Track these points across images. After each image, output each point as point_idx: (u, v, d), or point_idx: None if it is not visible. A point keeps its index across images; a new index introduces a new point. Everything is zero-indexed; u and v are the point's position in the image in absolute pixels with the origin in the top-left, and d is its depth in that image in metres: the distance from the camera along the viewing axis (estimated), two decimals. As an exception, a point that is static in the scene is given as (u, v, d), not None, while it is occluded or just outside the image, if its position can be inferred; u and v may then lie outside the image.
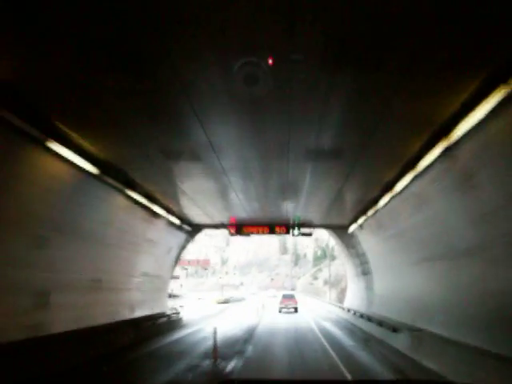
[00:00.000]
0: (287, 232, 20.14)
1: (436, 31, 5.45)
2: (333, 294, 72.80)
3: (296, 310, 35.15)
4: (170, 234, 20.48)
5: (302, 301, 54.01)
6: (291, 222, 19.67)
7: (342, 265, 60.20)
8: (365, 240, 20.91)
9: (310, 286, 79.10)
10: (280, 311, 34.94)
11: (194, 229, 22.88)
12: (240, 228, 19.76)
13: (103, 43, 5.84)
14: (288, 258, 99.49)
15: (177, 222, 19.57)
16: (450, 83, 6.82)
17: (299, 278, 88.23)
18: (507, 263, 8.16)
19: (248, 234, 20.34)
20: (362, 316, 21.00)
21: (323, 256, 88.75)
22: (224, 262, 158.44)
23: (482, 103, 6.72)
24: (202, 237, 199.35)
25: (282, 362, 11.62)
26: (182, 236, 22.39)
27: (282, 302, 35.66)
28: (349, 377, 9.18)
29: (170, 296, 63.10)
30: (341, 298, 48.79)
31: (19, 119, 7.52)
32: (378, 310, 19.48)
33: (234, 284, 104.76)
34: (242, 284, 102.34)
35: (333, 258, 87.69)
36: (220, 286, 74.36)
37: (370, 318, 18.87)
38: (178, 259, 24.29)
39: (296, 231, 19.76)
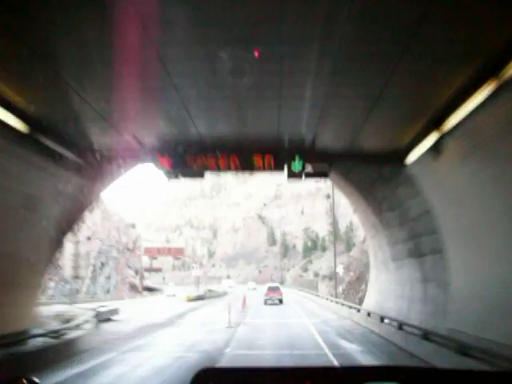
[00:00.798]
0: (279, 167, 10.95)
1: None
2: (323, 288, 69.32)
3: (281, 301, 37.07)
4: (21, 167, 10.13)
5: (295, 298, 48.86)
6: (288, 146, 10.95)
7: (332, 257, 56.56)
8: (440, 182, 11.08)
9: (300, 279, 75.72)
10: (265, 303, 36.46)
11: (90, 160, 11.70)
12: (183, 159, 10.66)
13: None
14: (276, 249, 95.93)
15: (47, 141, 9.87)
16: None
17: (288, 270, 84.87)
18: None
19: (201, 173, 11.28)
20: (426, 337, 11.10)
21: (313, 247, 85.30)
22: (211, 255, 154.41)
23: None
24: (188, 229, 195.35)
25: None
26: (64, 173, 11.63)
27: (267, 294, 37.32)
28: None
29: (147, 289, 61.57)
30: (333, 293, 45.73)
31: None
32: (465, 326, 10.24)
33: (220, 277, 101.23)
34: (228, 277, 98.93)
35: (323, 249, 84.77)
36: (199, 279, 69.21)
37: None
38: (67, 227, 13.77)
39: (298, 165, 10.59)
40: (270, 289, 38.41)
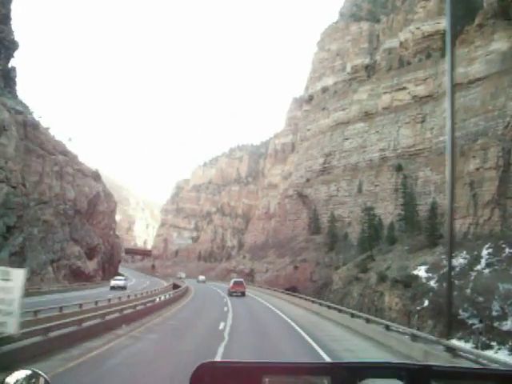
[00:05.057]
0: None
1: None
2: (393, 301, 47.22)
3: (243, 294, 44.08)
4: None
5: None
6: None
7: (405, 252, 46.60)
8: None
9: (357, 284, 49.91)
10: (230, 295, 42.74)
11: None
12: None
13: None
14: (320, 239, 69.87)
15: None
16: None
17: (337, 267, 59.11)
18: None
19: None
20: None
21: (375, 238, 58.91)
22: (241, 246, 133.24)
23: None
24: (219, 216, 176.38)
25: None
26: None
27: (232, 288, 44.58)
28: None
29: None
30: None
31: None
32: None
33: (243, 270, 76.74)
34: (252, 271, 74.17)
35: (392, 240, 58.44)
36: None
37: None
38: None
39: None
40: (235, 283, 45.77)
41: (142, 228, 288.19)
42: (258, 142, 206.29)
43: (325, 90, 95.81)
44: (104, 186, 57.42)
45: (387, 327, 18.16)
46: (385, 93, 76.74)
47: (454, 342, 16.20)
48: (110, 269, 58.42)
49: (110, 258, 60.61)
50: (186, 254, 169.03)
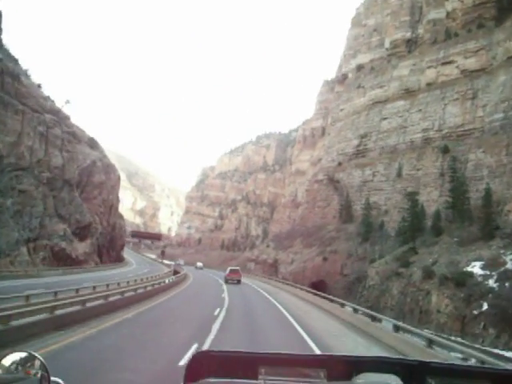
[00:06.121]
0: None
1: None
2: (442, 302, 40.91)
3: (239, 281, 45.37)
4: None
5: None
6: None
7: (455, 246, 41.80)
8: None
9: (397, 281, 43.63)
10: (226, 282, 44.24)
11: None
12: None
13: None
14: (353, 228, 63.20)
15: None
16: None
17: (372, 260, 52.68)
18: None
19: None
20: None
21: (417, 228, 52.12)
22: (266, 235, 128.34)
23: None
24: (244, 205, 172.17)
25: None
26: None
27: (228, 275, 46.24)
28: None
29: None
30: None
31: None
32: None
33: (266, 260, 70.50)
34: (276, 261, 67.82)
35: (438, 231, 51.08)
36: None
37: None
38: None
39: None
40: (231, 271, 47.37)
41: (166, 215, 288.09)
42: (286, 130, 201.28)
43: (360, 68, 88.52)
44: (103, 154, 50.73)
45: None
46: (429, 67, 68.88)
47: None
48: (109, 253, 52.31)
49: (110, 240, 54.28)
50: (209, 242, 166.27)
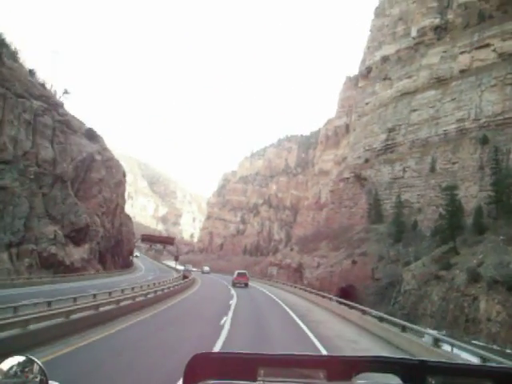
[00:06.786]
0: None
1: None
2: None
3: (246, 285, 45.62)
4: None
5: None
6: None
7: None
8: None
9: (437, 284, 39.17)
10: (234, 285, 44.06)
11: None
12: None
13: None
14: (383, 228, 58.44)
15: None
16: None
17: (407, 263, 48.28)
18: None
19: None
20: None
21: (456, 226, 46.94)
22: (289, 239, 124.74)
23: None
24: (266, 209, 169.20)
25: None
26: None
27: (235, 279, 46.54)
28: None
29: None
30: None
31: None
32: None
33: (290, 264, 66.19)
34: (301, 265, 63.51)
35: (481, 229, 46.04)
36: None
37: None
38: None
39: None
40: (239, 274, 47.79)
41: (188, 221, 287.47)
42: (308, 133, 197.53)
43: (385, 59, 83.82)
44: (103, 147, 45.91)
45: None
46: (462, 53, 63.80)
47: None
48: (114, 259, 48.25)
49: (115, 245, 50.20)
50: (231, 247, 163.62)
